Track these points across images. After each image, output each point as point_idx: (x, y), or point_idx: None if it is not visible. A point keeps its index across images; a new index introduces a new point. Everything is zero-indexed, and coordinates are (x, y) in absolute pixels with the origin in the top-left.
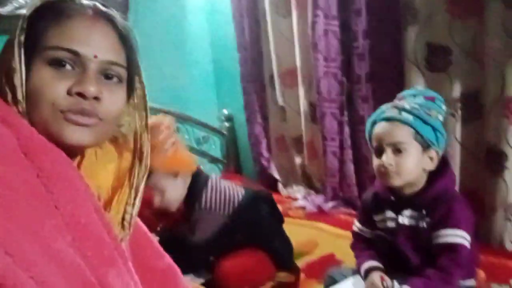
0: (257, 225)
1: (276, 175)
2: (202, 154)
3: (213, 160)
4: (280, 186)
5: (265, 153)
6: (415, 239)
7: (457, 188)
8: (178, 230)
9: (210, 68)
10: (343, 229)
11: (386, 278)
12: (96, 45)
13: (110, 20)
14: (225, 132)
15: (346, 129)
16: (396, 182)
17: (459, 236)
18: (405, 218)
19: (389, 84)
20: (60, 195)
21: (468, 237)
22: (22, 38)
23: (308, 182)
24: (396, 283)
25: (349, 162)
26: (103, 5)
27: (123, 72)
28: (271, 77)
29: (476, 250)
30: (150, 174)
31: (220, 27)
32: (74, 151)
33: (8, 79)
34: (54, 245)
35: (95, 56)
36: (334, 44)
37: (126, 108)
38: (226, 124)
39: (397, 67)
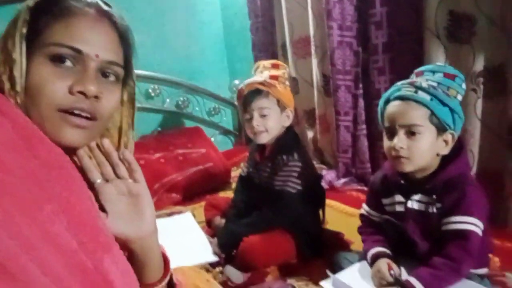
0: (307, 213)
1: None
2: (214, 125)
3: (225, 131)
4: None
5: None
6: (424, 225)
7: (475, 168)
8: (256, 172)
9: (221, 37)
10: (354, 207)
11: (394, 265)
12: (98, 45)
13: (111, 19)
14: (236, 103)
15: (361, 103)
16: (407, 167)
17: (470, 223)
18: (414, 202)
19: (407, 56)
20: (56, 182)
21: (481, 224)
22: (24, 30)
23: (320, 157)
24: (403, 271)
25: (362, 138)
26: (105, 3)
27: (120, 71)
28: (283, 45)
29: (490, 237)
30: (261, 96)
31: None
32: (66, 149)
33: (7, 69)
34: (51, 229)
35: (97, 56)
36: (350, 11)
37: None
38: None
39: (416, 37)
